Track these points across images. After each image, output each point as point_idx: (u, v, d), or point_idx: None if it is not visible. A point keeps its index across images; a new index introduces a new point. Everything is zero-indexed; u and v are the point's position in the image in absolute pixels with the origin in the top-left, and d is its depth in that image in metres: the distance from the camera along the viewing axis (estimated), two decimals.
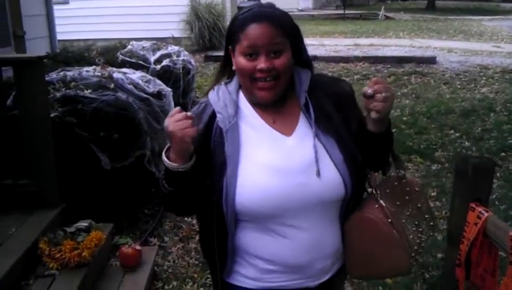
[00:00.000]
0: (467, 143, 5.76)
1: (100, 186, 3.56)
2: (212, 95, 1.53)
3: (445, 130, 6.24)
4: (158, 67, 5.10)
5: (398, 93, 8.10)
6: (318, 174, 1.42)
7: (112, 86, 3.86)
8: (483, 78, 9.08)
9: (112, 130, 3.60)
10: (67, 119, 3.48)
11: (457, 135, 6.05)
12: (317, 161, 1.43)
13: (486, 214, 1.94)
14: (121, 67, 4.76)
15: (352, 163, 1.46)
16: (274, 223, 1.45)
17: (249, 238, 1.49)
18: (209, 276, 3.22)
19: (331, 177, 1.44)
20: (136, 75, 4.27)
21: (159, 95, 4.18)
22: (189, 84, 5.47)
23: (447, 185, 4.53)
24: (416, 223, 1.50)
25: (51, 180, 3.18)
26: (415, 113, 6.95)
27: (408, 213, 1.49)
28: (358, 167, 1.48)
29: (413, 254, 1.49)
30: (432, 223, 1.53)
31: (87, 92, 3.69)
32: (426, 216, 1.52)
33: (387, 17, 22.15)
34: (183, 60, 5.41)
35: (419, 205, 1.52)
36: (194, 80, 5.77)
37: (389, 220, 1.47)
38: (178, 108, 1.38)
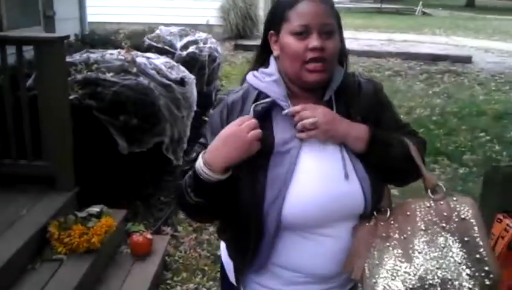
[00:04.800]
0: (497, 147, 5.54)
1: (116, 171, 3.53)
2: (254, 80, 1.41)
3: (476, 132, 6.03)
4: (184, 53, 5.03)
5: (429, 92, 7.91)
6: (360, 182, 1.33)
7: (134, 70, 3.81)
8: None
9: (131, 115, 3.56)
10: (86, 102, 3.45)
11: (487, 138, 5.83)
12: (353, 168, 1.34)
13: None
14: (147, 52, 4.72)
15: (373, 176, 1.36)
16: (306, 232, 1.35)
17: (278, 247, 1.36)
18: (219, 270, 3.15)
19: (356, 186, 1.34)
20: (159, 61, 4.21)
21: (181, 81, 4.12)
22: (214, 72, 5.38)
23: (474, 190, 4.35)
24: (459, 261, 1.23)
25: (67, 163, 3.15)
26: (445, 114, 6.74)
27: (442, 245, 1.25)
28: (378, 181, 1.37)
29: None
30: (487, 269, 1.22)
31: (108, 75, 3.66)
32: (478, 257, 1.22)
33: (424, 13, 21.69)
34: (210, 47, 5.32)
35: (466, 239, 1.24)
36: (220, 68, 5.68)
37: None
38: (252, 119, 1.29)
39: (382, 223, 1.33)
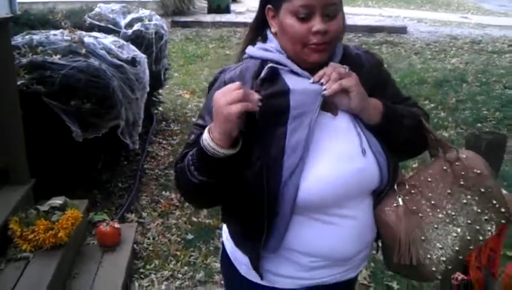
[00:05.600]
0: (442, 114, 5.73)
1: (71, 159, 3.34)
2: (264, 53, 1.33)
3: (420, 100, 6.19)
4: (129, 31, 4.77)
5: None
6: (375, 157, 1.29)
7: (83, 51, 3.58)
8: (453, 48, 9.11)
9: (83, 99, 3.35)
10: (34, 87, 3.22)
11: (432, 105, 6.01)
12: (368, 143, 1.30)
13: None
14: (90, 31, 4.45)
15: (386, 149, 1.33)
16: (324, 213, 1.29)
17: (292, 232, 1.30)
18: (192, 254, 3.08)
19: (372, 162, 1.30)
20: (108, 40, 3.98)
21: (133, 61, 3.92)
22: (162, 50, 5.17)
23: (427, 155, 4.47)
24: (479, 211, 1.30)
25: (20, 155, 2.94)
26: None
27: (465, 201, 1.30)
28: (391, 154, 1.34)
29: (444, 259, 1.30)
30: (503, 210, 1.30)
31: (56, 58, 3.41)
32: (494, 202, 1.29)
33: None
34: (156, 24, 5.09)
35: (482, 190, 1.29)
36: (167, 46, 5.47)
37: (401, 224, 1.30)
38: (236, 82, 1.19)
39: (407, 198, 1.31)
